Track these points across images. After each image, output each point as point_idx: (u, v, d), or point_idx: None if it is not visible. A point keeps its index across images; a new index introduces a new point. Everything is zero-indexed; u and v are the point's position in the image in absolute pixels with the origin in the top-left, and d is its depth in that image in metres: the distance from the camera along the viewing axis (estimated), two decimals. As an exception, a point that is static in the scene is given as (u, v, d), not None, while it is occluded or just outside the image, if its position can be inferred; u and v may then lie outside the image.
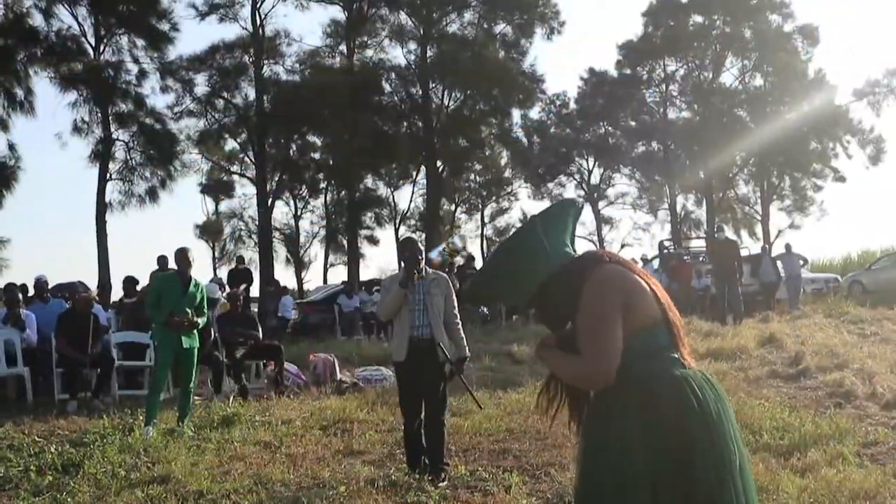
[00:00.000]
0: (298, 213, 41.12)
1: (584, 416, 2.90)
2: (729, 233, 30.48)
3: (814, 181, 39.98)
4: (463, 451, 7.43)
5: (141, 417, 8.73)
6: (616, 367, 2.58)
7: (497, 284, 2.97)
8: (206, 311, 9.24)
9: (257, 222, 34.03)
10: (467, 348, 6.78)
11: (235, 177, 39.30)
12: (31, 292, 13.45)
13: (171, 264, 10.41)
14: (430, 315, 6.55)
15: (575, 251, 2.92)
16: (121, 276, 15.83)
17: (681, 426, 2.57)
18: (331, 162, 34.94)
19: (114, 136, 26.54)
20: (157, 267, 13.96)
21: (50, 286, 13.75)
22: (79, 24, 26.04)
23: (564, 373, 2.83)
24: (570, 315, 2.80)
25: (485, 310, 20.75)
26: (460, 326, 6.77)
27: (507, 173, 44.69)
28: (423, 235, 34.62)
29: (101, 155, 25.95)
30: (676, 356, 2.73)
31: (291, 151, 33.80)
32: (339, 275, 39.14)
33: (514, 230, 2.92)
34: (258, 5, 30.39)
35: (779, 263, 21.88)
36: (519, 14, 34.78)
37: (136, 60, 27.39)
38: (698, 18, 39.07)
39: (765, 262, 21.94)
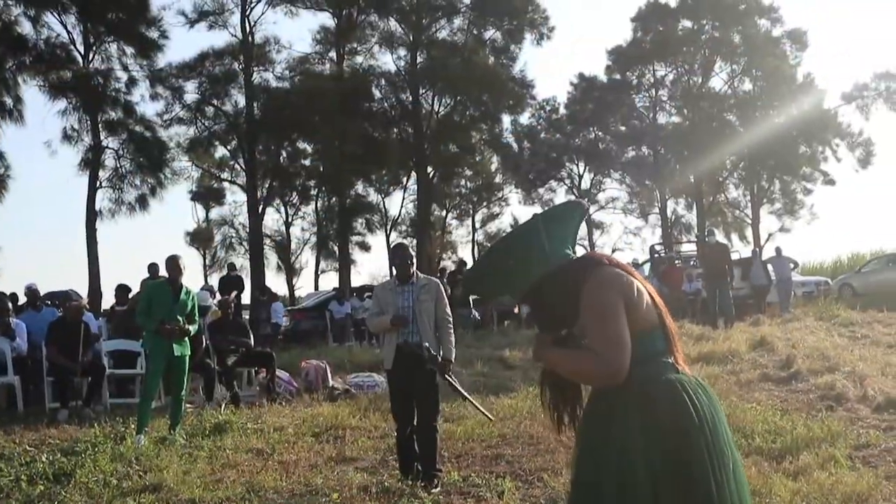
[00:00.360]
0: (289, 219, 41.10)
1: (579, 416, 2.91)
2: (719, 236, 30.53)
3: (803, 184, 40.07)
4: (456, 457, 7.42)
5: (132, 426, 8.71)
6: (628, 362, 2.57)
7: (490, 279, 2.98)
8: (197, 318, 9.22)
9: (248, 229, 33.98)
10: (454, 352, 6.70)
11: (226, 184, 39.17)
12: (22, 300, 13.42)
13: (162, 272, 10.38)
14: (418, 322, 6.54)
15: (575, 253, 2.92)
16: (112, 284, 15.82)
17: (678, 428, 2.59)
18: (321, 168, 34.92)
19: (103, 143, 26.43)
20: (147, 275, 13.93)
21: (41, 294, 13.70)
22: (68, 32, 25.93)
23: (573, 369, 2.77)
24: (566, 315, 2.80)
25: (476, 315, 20.77)
26: (451, 329, 6.73)
27: (498, 179, 44.85)
28: (415, 241, 34.64)
29: (91, 163, 25.85)
30: (671, 361, 2.75)
31: (282, 158, 33.72)
32: (330, 281, 39.18)
33: (517, 225, 2.92)
34: (247, 12, 30.35)
35: (769, 267, 21.93)
36: (508, 20, 34.82)
37: (125, 68, 27.33)
38: (687, 23, 39.20)
39: (755, 266, 21.98)
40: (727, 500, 2.57)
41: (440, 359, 6.45)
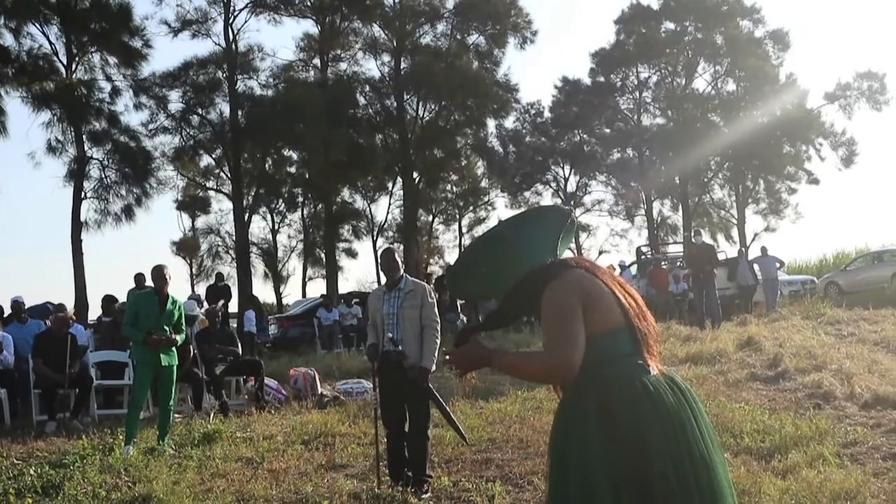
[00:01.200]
0: (276, 227, 41.04)
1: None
2: (706, 237, 30.64)
3: (788, 184, 40.27)
4: (446, 462, 7.41)
5: (121, 437, 8.67)
6: (580, 359, 2.60)
7: (467, 282, 3.08)
8: (184, 328, 9.18)
9: (234, 238, 33.91)
10: (433, 360, 6.54)
11: (211, 192, 39.14)
12: (7, 313, 13.33)
13: (149, 282, 10.35)
14: (401, 329, 6.52)
15: (557, 258, 2.92)
16: (98, 295, 15.75)
17: (636, 429, 2.58)
18: (307, 175, 34.88)
19: (88, 154, 26.37)
20: (134, 285, 13.88)
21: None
22: (50, 43, 25.88)
23: (527, 371, 2.88)
24: (530, 317, 2.85)
25: (464, 319, 20.76)
26: (436, 335, 6.62)
27: (484, 183, 44.85)
28: (402, 247, 34.64)
29: (76, 174, 25.76)
30: (640, 362, 2.73)
31: (267, 166, 33.72)
32: (317, 288, 39.06)
33: (488, 229, 2.96)
34: (231, 21, 30.39)
35: (756, 266, 22.01)
36: (491, 24, 34.95)
37: (108, 78, 27.29)
38: (670, 25, 39.42)
39: (742, 266, 22.05)
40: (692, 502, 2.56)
41: (417, 367, 6.41)
